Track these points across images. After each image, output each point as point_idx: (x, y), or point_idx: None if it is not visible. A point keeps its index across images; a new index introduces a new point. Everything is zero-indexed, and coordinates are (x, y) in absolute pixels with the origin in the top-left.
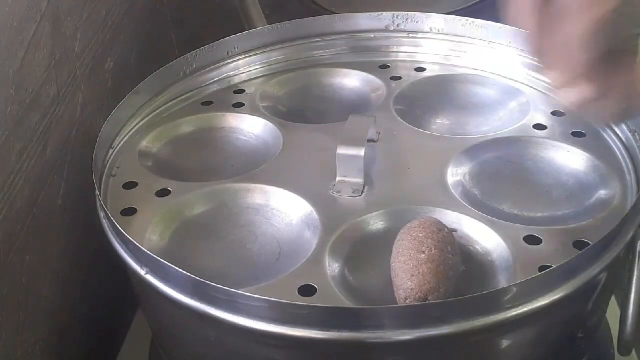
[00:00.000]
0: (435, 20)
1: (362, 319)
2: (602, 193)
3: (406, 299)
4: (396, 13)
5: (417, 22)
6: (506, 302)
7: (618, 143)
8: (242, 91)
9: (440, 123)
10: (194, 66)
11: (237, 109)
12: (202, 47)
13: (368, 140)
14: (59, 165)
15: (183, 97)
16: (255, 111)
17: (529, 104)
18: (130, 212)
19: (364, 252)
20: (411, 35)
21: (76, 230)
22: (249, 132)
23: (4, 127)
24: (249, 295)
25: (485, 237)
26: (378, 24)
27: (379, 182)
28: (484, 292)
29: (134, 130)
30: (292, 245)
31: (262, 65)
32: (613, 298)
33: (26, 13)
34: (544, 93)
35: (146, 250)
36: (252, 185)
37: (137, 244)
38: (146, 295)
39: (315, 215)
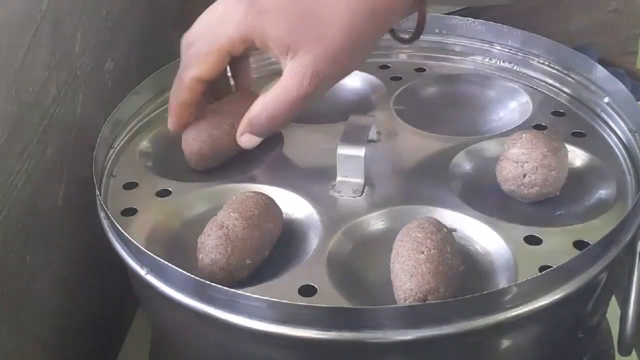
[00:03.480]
0: (436, 20)
1: (362, 319)
2: (602, 193)
3: (405, 299)
4: None
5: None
6: (506, 302)
7: (618, 143)
8: None
9: (441, 123)
10: None
11: None
12: None
13: (368, 140)
14: (59, 165)
15: None
16: None
17: (529, 104)
18: (130, 212)
19: (364, 252)
20: None
21: (76, 230)
22: None
23: (4, 127)
24: (249, 295)
25: (485, 237)
26: None
27: (379, 182)
28: (484, 292)
29: (134, 130)
30: (292, 245)
31: (262, 65)
32: (613, 298)
33: (26, 13)
34: (544, 93)
35: (146, 250)
36: (252, 185)
37: (137, 244)
38: (146, 295)
39: (315, 215)
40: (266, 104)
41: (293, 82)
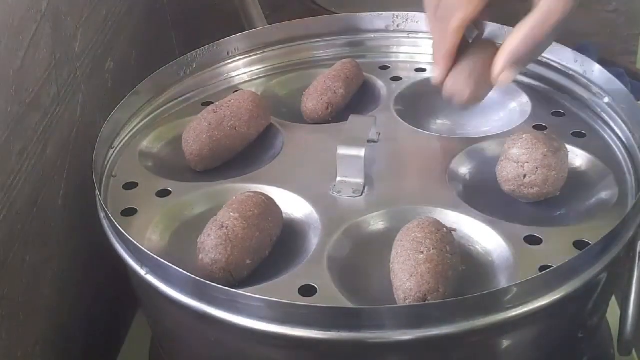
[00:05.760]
0: None
1: (362, 319)
2: (602, 193)
3: (405, 299)
4: (396, 13)
5: (417, 22)
6: (506, 302)
7: (618, 143)
8: None
9: (440, 123)
10: (194, 66)
11: None
12: (202, 47)
13: (368, 141)
14: (59, 165)
15: (183, 97)
16: None
17: (529, 104)
18: (130, 212)
19: (364, 252)
20: (411, 35)
21: (76, 230)
22: None
23: (4, 127)
24: (249, 295)
25: (485, 237)
26: (378, 24)
27: (379, 182)
28: (484, 292)
29: (134, 131)
30: (292, 245)
31: (262, 65)
32: (613, 298)
33: (26, 13)
34: (544, 93)
35: (146, 250)
36: (252, 185)
37: (138, 244)
38: (146, 295)
39: (315, 215)
40: (530, 30)
41: (556, 4)
